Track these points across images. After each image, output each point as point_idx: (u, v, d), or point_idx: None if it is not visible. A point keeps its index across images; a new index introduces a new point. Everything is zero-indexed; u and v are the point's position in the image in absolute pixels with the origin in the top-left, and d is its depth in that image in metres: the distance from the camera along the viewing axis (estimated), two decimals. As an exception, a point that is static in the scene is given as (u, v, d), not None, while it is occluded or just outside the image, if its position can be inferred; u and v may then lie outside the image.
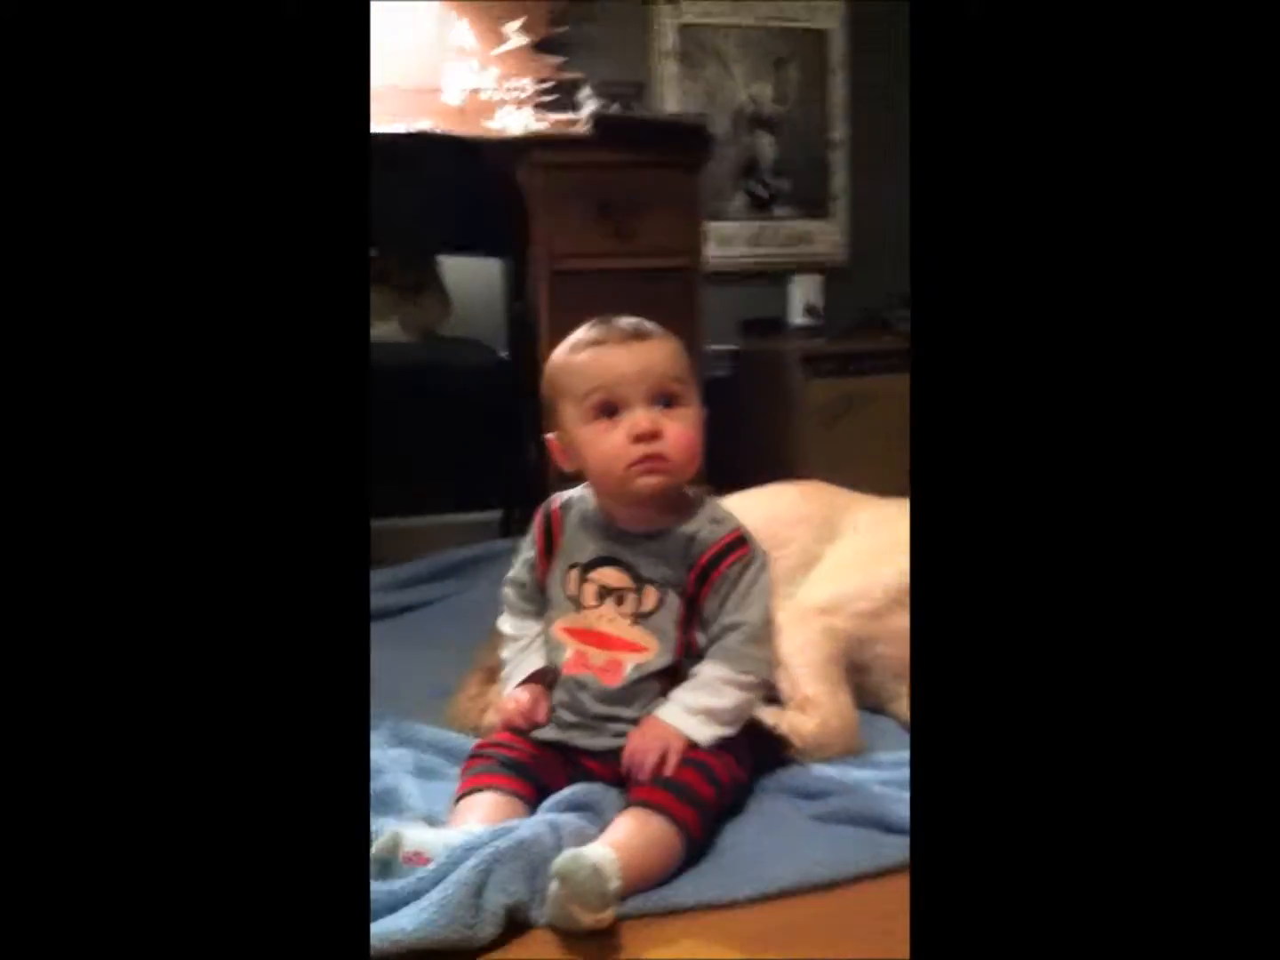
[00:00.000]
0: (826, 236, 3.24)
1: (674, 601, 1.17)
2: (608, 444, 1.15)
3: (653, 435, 1.14)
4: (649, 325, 1.21)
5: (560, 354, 1.21)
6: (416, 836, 0.99)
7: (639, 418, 1.14)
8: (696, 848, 1.07)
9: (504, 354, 2.58)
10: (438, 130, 2.22)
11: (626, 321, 1.20)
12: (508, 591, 1.29)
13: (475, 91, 2.51)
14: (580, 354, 1.18)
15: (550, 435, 1.23)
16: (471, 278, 2.63)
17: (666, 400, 1.16)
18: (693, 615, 1.18)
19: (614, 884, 0.93)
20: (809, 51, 3.14)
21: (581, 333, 1.21)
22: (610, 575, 1.19)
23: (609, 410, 1.15)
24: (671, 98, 2.96)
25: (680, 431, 1.15)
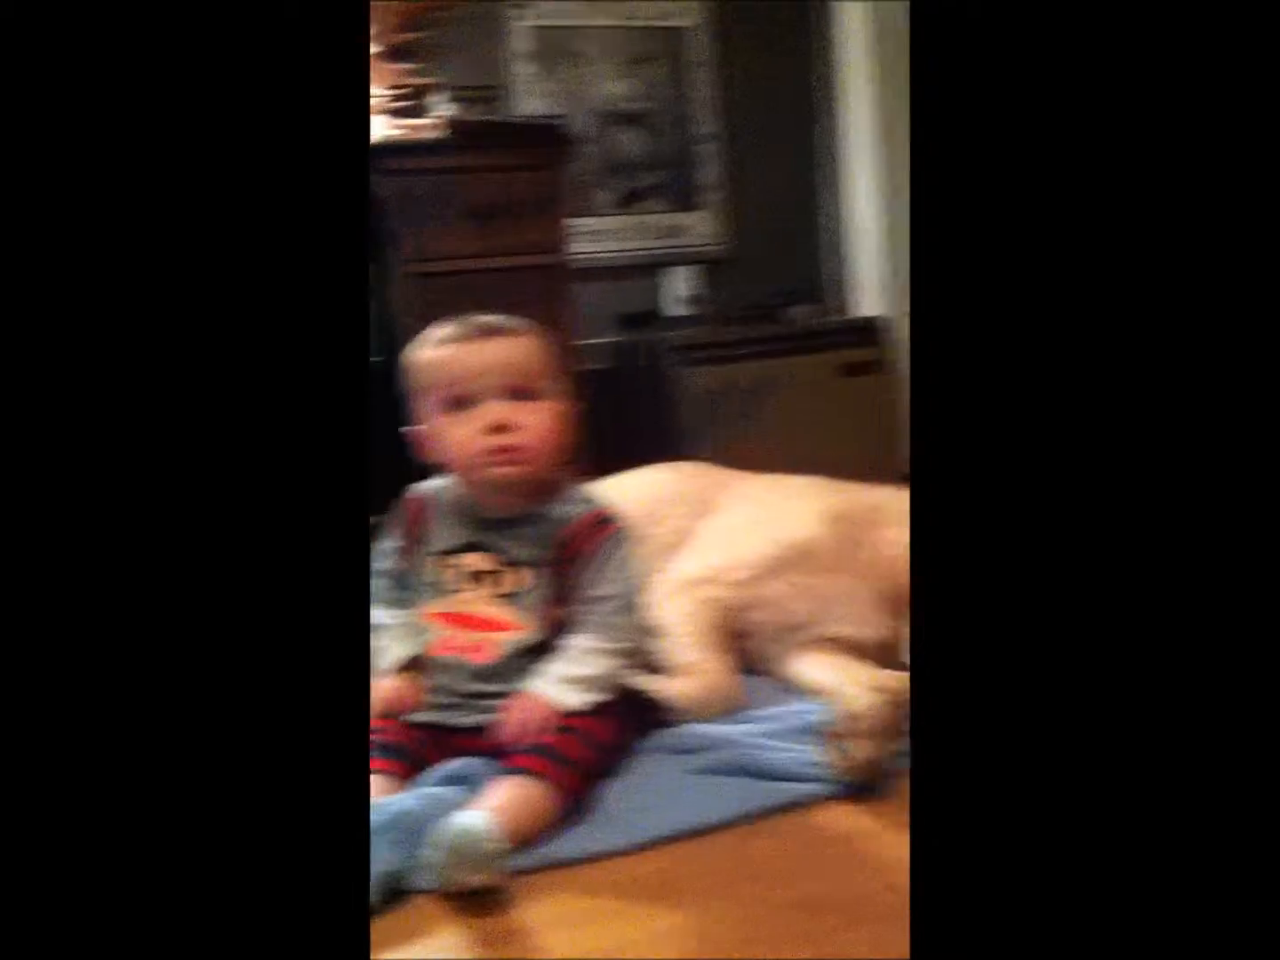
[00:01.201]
0: (700, 228, 3.30)
1: (539, 581, 1.22)
2: (460, 436, 1.21)
3: (503, 428, 1.19)
4: (509, 321, 1.26)
5: (421, 351, 1.26)
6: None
7: (490, 411, 1.20)
8: (575, 807, 1.11)
9: (375, 358, 2.58)
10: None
11: (484, 318, 1.26)
12: (377, 582, 1.31)
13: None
14: (438, 351, 1.24)
15: (412, 428, 1.27)
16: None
17: (522, 394, 1.21)
18: (560, 592, 1.23)
19: (491, 845, 0.96)
20: (669, 49, 3.20)
21: (440, 330, 1.26)
22: (477, 559, 1.24)
23: (462, 404, 1.21)
24: (530, 99, 3.00)
25: (537, 424, 1.21)
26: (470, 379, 1.21)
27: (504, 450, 1.20)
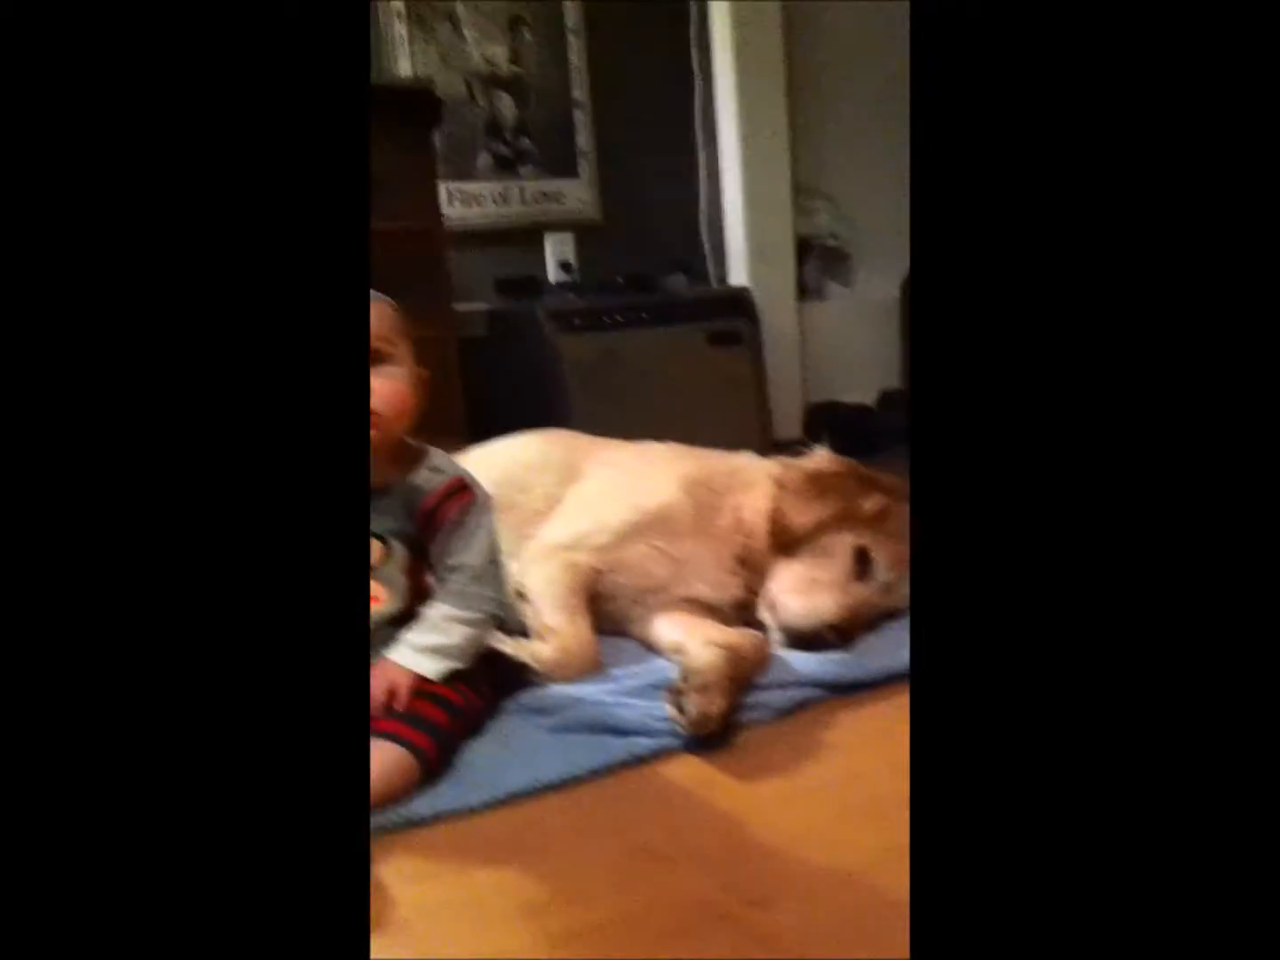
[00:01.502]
0: (576, 195, 3.32)
1: (401, 551, 1.24)
2: None
3: None
4: None
5: None
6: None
7: None
8: (435, 770, 1.14)
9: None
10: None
11: None
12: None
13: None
14: None
15: None
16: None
17: (371, 358, 1.20)
18: (421, 561, 1.25)
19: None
20: (543, 14, 3.20)
21: None
22: None
23: None
24: (404, 59, 2.97)
25: (385, 388, 1.21)
26: None
27: None
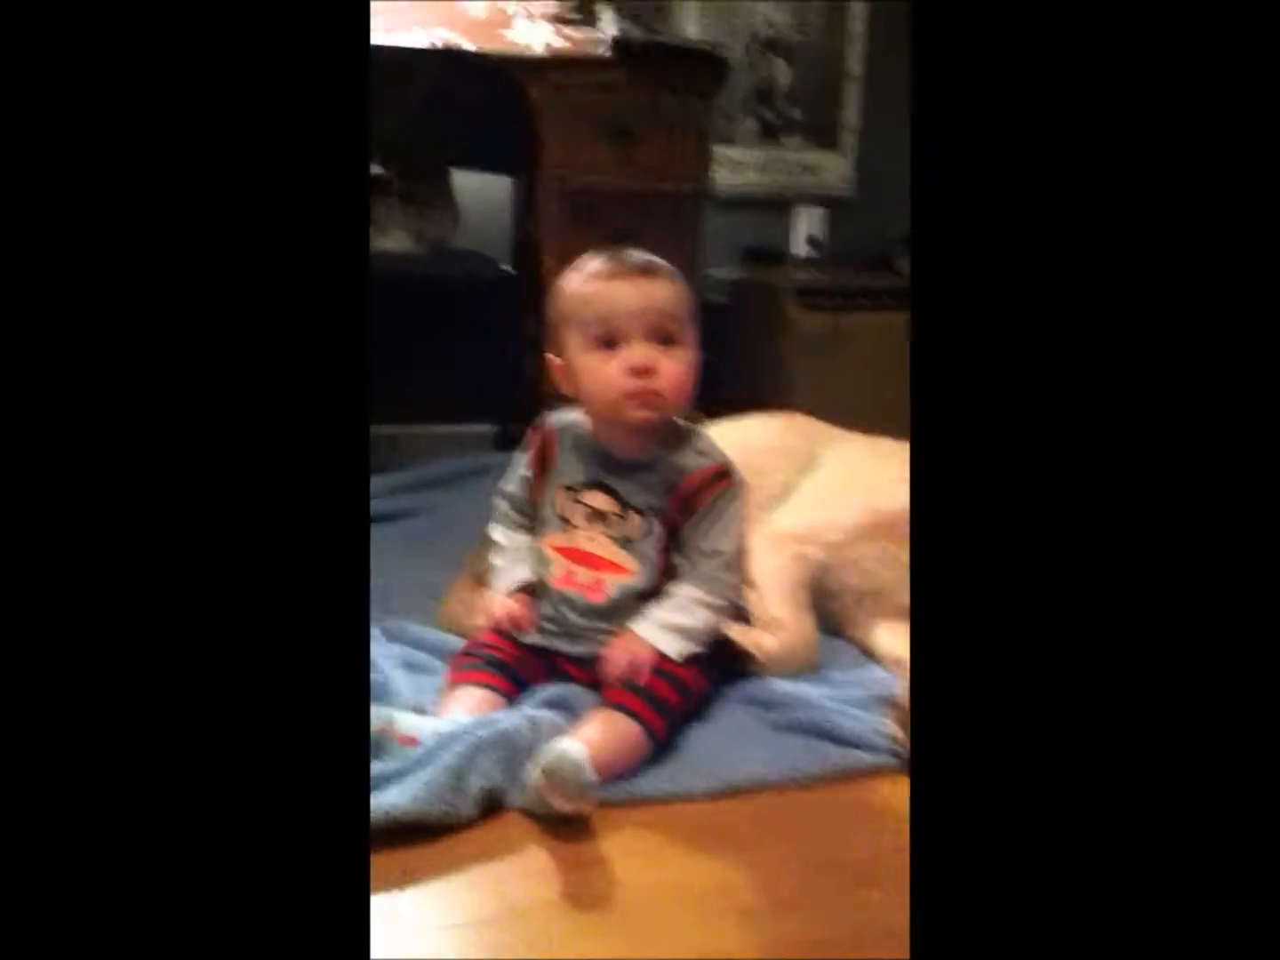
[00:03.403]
0: (834, 168, 3.26)
1: (657, 527, 1.27)
2: (604, 374, 1.23)
3: (648, 371, 1.21)
4: (659, 263, 1.27)
5: (570, 281, 1.27)
6: (408, 721, 1.09)
7: (636, 352, 1.21)
8: (661, 748, 1.17)
9: (507, 268, 2.63)
10: (455, 42, 2.24)
11: (638, 256, 1.26)
12: (500, 502, 1.38)
13: (498, 4, 2.52)
14: (589, 285, 1.25)
15: (552, 357, 1.30)
16: (478, 192, 2.66)
17: (665, 338, 1.23)
18: (672, 540, 1.28)
19: (586, 777, 1.03)
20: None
21: (592, 262, 1.27)
22: (599, 499, 1.28)
23: (609, 342, 1.22)
24: (690, 19, 2.96)
25: (674, 370, 1.23)
26: (619, 318, 1.21)
27: (646, 393, 1.22)
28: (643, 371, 1.21)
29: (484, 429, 2.69)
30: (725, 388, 2.28)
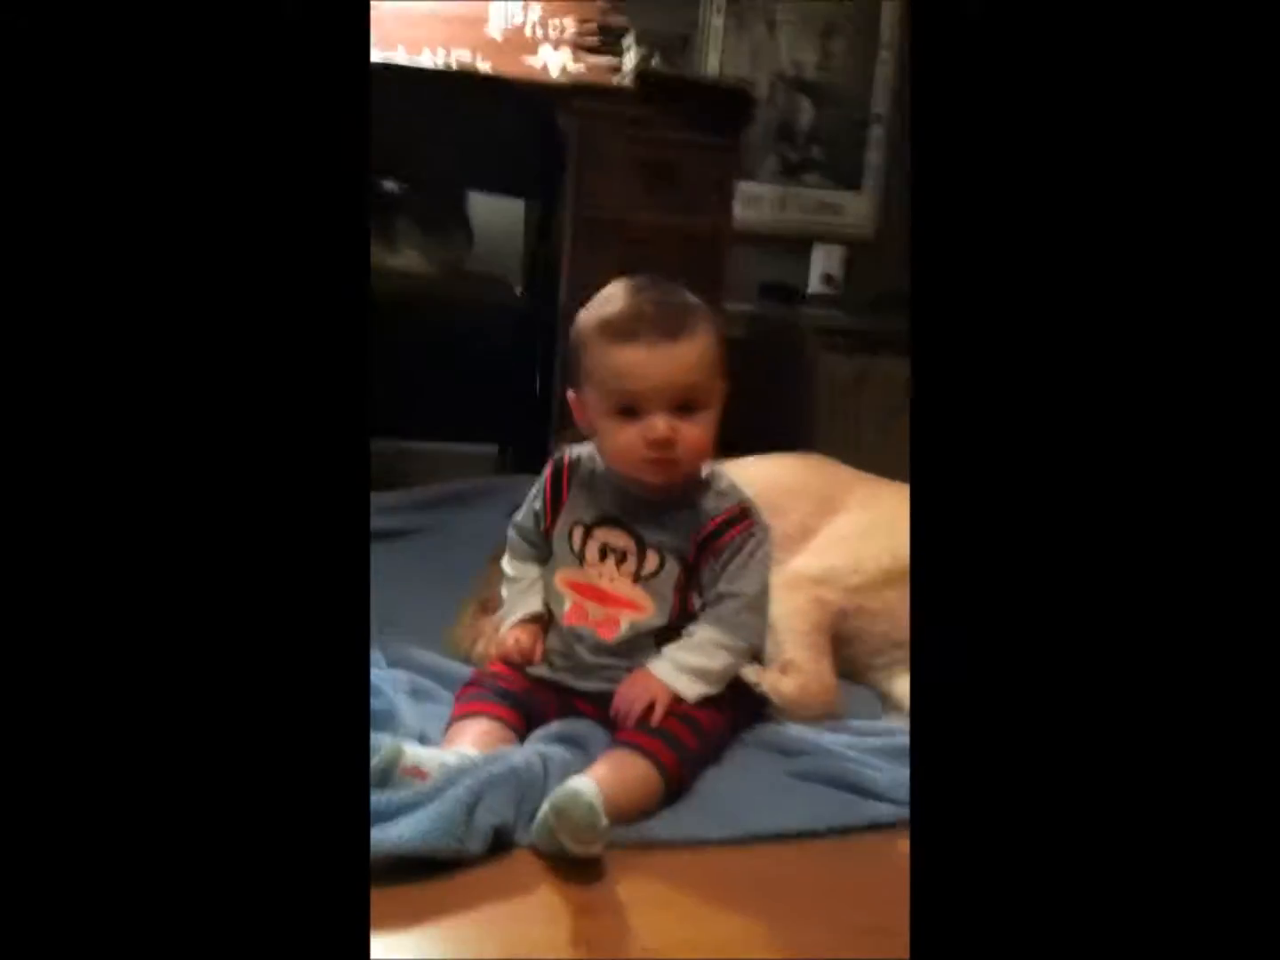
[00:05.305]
0: (855, 209, 3.26)
1: (674, 567, 1.22)
2: (624, 439, 1.18)
3: (669, 443, 1.17)
4: (687, 307, 1.20)
5: (591, 324, 1.19)
6: (416, 753, 1.04)
7: (657, 425, 1.16)
8: (676, 792, 1.12)
9: (519, 291, 2.61)
10: (475, 65, 2.24)
11: (664, 304, 1.18)
12: (513, 534, 1.33)
13: (518, 27, 2.51)
14: (612, 347, 1.17)
15: (572, 394, 1.25)
16: (493, 215, 2.65)
17: (688, 406, 1.18)
18: (691, 580, 1.23)
19: (599, 819, 0.98)
20: (859, 24, 3.14)
21: (615, 300, 1.19)
22: (614, 535, 1.24)
23: (629, 412, 1.17)
24: (714, 54, 2.97)
25: (695, 436, 1.18)
26: (641, 393, 1.16)
27: (665, 462, 1.18)
28: (663, 444, 1.17)
29: (486, 450, 2.66)
30: (740, 424, 2.25)
